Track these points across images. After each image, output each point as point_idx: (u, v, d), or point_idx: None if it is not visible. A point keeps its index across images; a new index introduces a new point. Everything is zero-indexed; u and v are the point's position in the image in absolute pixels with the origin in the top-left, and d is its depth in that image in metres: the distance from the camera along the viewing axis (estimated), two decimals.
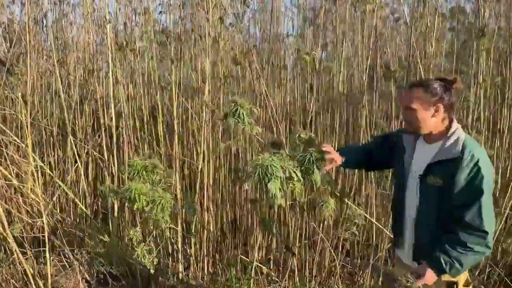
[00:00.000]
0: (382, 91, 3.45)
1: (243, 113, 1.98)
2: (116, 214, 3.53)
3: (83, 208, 3.35)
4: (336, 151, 1.88)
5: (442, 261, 1.59)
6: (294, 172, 1.75)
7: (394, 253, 1.96)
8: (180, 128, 3.56)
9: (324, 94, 3.53)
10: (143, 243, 2.35)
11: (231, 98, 1.99)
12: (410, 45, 2.83)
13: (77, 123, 4.42)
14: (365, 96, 3.18)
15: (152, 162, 2.15)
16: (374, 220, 2.82)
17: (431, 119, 1.68)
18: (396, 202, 1.88)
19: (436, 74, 3.32)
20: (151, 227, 2.66)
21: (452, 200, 1.60)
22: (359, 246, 3.48)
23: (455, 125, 1.70)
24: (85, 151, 4.25)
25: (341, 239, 3.33)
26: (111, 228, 3.55)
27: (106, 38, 3.38)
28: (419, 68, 2.98)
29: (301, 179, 1.78)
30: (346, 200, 2.35)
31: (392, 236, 2.01)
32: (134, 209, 2.18)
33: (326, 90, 3.72)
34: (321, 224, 3.36)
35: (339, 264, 2.94)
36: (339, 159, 1.86)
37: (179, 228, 3.12)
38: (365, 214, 2.41)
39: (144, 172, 2.15)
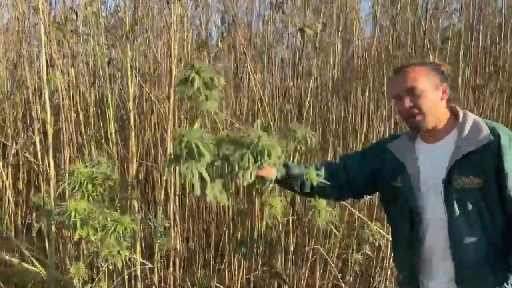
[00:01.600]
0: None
1: (194, 78, 1.37)
2: (54, 232, 2.76)
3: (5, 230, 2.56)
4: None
5: None
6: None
7: None
8: (137, 123, 2.85)
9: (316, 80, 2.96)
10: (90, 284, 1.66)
11: (188, 61, 1.39)
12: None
13: (7, 116, 3.60)
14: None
15: (103, 172, 1.47)
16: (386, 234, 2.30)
17: (440, 104, 1.29)
18: (404, 233, 1.34)
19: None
20: (102, 263, 1.97)
21: (506, 195, 1.20)
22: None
23: (460, 109, 1.33)
24: (13, 151, 3.43)
25: (334, 254, 2.80)
26: (47, 250, 2.77)
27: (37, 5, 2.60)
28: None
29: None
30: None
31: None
32: (75, 239, 1.51)
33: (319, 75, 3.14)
34: (311, 238, 2.81)
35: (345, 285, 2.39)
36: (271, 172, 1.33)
37: (138, 251, 2.43)
38: (381, 231, 1.87)
39: (89, 186, 1.47)
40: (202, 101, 1.42)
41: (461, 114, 1.30)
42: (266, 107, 2.23)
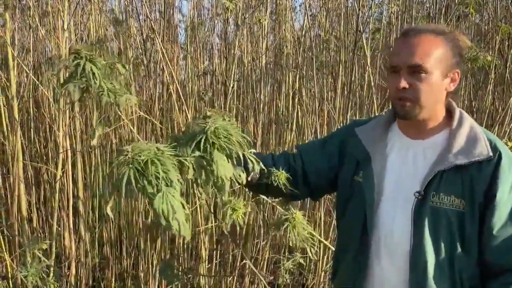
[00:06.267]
0: None
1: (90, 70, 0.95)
2: None
3: None
4: None
5: None
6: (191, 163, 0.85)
7: None
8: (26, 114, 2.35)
9: None
10: None
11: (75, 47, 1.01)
12: None
13: None
14: None
15: None
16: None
17: (442, 95, 1.00)
18: (352, 245, 1.07)
19: None
20: None
21: (486, 232, 0.95)
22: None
23: (457, 107, 1.05)
24: None
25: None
26: None
27: None
28: None
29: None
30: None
31: None
32: None
33: None
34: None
35: None
36: None
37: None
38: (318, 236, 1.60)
39: None
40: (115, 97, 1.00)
41: (457, 114, 1.02)
42: (182, 97, 1.87)
